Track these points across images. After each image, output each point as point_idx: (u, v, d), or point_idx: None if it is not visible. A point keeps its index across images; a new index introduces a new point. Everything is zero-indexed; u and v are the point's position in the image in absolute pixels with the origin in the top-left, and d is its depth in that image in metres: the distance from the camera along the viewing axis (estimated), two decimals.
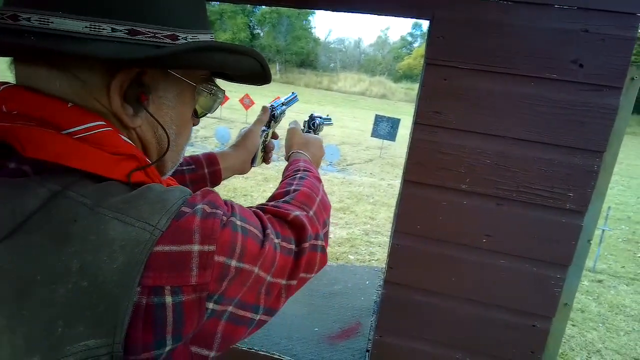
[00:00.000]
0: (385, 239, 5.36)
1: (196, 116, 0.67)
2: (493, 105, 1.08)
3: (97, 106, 0.51)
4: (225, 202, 0.56)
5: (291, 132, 1.10)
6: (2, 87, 0.50)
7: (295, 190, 0.76)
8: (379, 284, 1.84)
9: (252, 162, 1.09)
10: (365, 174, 8.90)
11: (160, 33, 0.50)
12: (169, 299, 0.44)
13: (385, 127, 10.00)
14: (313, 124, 1.23)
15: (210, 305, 0.48)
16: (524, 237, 1.14)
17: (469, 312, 1.20)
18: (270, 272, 0.58)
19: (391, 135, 10.02)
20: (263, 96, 14.34)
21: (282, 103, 1.19)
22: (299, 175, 0.84)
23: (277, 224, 0.63)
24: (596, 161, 1.07)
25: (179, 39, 0.52)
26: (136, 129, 0.55)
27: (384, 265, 1.25)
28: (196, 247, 0.46)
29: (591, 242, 1.19)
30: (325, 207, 0.79)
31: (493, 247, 1.16)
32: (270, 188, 6.90)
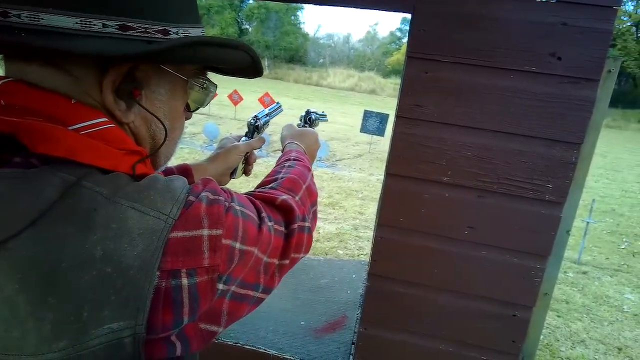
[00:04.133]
0: None
1: (189, 110, 0.67)
2: (474, 98, 1.09)
3: (90, 102, 0.51)
4: (223, 189, 0.58)
5: (286, 127, 1.12)
6: (2, 81, 0.50)
7: (282, 178, 0.78)
8: (365, 277, 1.85)
9: (232, 175, 1.06)
10: (355, 169, 8.91)
11: (152, 28, 0.50)
12: (185, 281, 0.47)
13: (374, 123, 10.01)
14: (309, 119, 1.25)
15: (220, 286, 0.52)
16: (505, 228, 1.16)
17: (451, 303, 1.22)
18: (267, 253, 0.61)
19: (380, 131, 10.04)
20: (252, 92, 14.28)
21: (267, 114, 1.18)
22: (287, 164, 0.87)
23: (267, 208, 0.66)
24: (574, 153, 1.09)
25: (171, 34, 0.52)
26: (129, 124, 0.55)
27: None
28: (206, 232, 0.49)
29: (570, 232, 1.22)
30: (311, 194, 0.82)
31: (474, 239, 1.17)
32: None
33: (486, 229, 1.16)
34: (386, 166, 1.19)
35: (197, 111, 0.72)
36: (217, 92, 0.72)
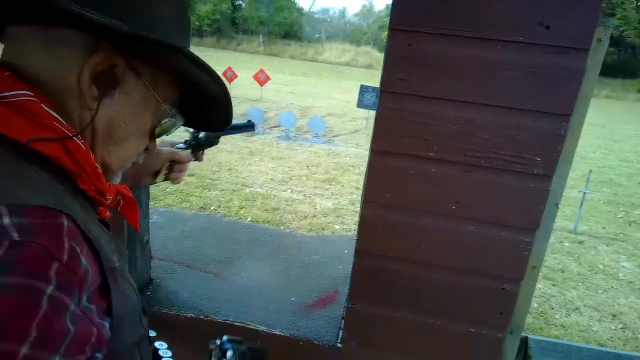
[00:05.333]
0: None
1: (153, 136, 0.67)
2: (459, 70, 1.06)
3: (62, 84, 0.53)
4: (56, 258, 0.40)
5: None
6: None
7: None
8: None
9: (155, 177, 1.05)
10: (351, 145, 8.88)
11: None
12: None
13: (370, 97, 9.89)
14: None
15: None
16: (493, 203, 1.15)
17: (439, 278, 1.22)
18: None
19: (376, 105, 9.95)
20: (247, 69, 14.07)
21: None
22: None
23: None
24: (563, 125, 1.07)
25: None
26: (93, 112, 0.56)
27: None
28: None
29: (559, 205, 1.21)
30: None
31: (462, 214, 1.16)
32: (256, 161, 6.86)
33: (474, 203, 1.15)
34: (371, 142, 1.17)
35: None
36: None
